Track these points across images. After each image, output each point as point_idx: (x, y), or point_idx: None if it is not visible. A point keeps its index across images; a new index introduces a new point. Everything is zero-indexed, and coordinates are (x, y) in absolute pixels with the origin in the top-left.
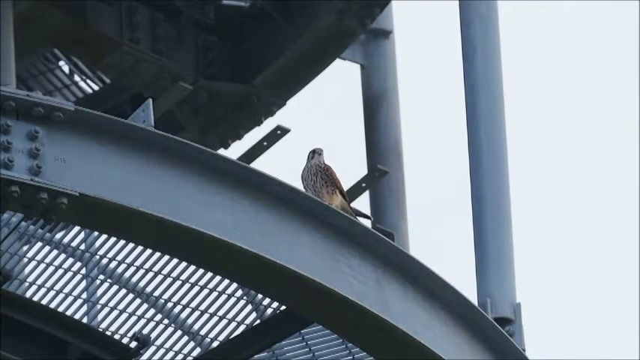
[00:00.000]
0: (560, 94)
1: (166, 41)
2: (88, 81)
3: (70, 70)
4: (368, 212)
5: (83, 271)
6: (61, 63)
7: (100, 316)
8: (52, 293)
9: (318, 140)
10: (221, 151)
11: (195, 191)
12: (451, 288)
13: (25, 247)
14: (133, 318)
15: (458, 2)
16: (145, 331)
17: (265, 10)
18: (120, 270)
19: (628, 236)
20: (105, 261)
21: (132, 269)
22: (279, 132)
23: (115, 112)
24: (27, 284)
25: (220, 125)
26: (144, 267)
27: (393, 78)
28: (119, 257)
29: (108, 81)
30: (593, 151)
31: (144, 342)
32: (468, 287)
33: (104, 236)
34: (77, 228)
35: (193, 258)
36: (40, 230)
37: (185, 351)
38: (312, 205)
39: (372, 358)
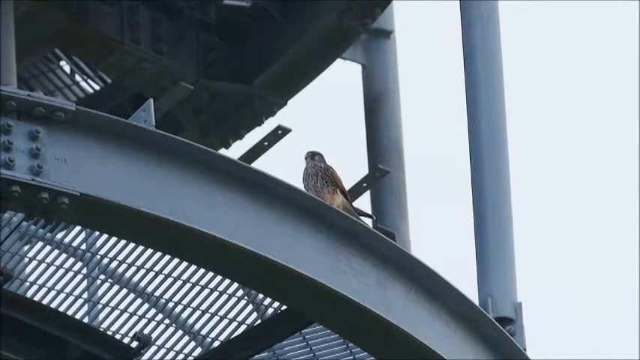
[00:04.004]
0: (560, 93)
1: (167, 41)
2: (89, 81)
3: (71, 70)
4: (369, 212)
5: (84, 271)
6: (62, 63)
7: (100, 316)
8: (52, 293)
9: (319, 140)
10: (222, 151)
11: (196, 191)
12: (452, 288)
13: (26, 247)
14: (134, 318)
15: (459, 2)
16: (146, 331)
17: (266, 10)
18: (121, 270)
19: (628, 236)
20: (106, 261)
21: (133, 269)
22: (280, 132)
23: (116, 112)
24: (28, 284)
25: (221, 125)
26: (145, 267)
27: (394, 78)
28: (120, 257)
29: (109, 81)
30: (594, 150)
31: (145, 342)
32: (468, 287)
33: (105, 236)
34: (78, 228)
35: (194, 258)
36: (41, 230)
37: (186, 351)
38: (313, 205)
39: (373, 358)
